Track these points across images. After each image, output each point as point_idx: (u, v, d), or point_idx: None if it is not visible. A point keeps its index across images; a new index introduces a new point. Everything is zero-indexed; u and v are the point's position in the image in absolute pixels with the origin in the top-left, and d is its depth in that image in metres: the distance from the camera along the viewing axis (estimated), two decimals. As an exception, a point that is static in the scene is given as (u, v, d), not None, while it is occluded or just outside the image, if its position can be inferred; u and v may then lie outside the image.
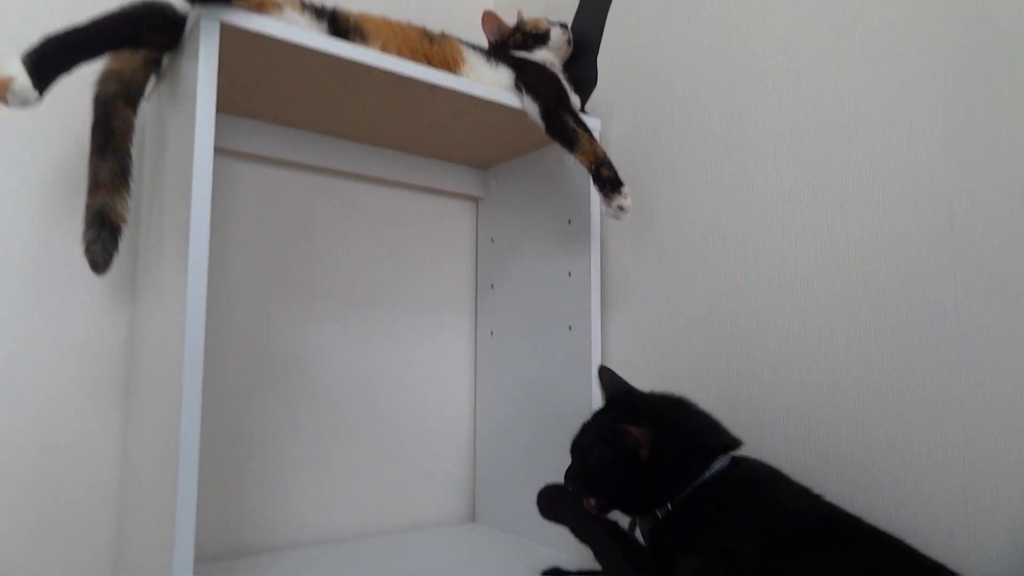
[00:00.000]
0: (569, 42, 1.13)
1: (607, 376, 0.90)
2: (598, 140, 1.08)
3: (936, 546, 0.69)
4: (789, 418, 0.84)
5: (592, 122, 1.08)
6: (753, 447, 0.79)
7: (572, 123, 0.96)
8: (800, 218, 0.85)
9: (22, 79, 0.68)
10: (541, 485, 0.87)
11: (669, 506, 0.75)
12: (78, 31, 0.75)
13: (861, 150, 0.80)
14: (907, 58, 0.76)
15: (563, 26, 1.12)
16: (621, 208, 0.90)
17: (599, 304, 1.06)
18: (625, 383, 0.88)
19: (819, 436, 0.81)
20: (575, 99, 1.09)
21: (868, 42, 0.80)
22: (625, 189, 0.91)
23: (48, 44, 0.72)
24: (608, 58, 1.13)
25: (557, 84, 1.03)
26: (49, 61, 0.71)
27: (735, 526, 0.69)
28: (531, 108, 0.98)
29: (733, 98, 0.94)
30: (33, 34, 0.73)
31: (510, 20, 1.14)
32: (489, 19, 1.13)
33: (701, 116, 0.98)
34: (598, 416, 0.85)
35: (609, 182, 0.91)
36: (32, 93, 0.69)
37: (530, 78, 1.00)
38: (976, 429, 0.69)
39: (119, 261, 0.87)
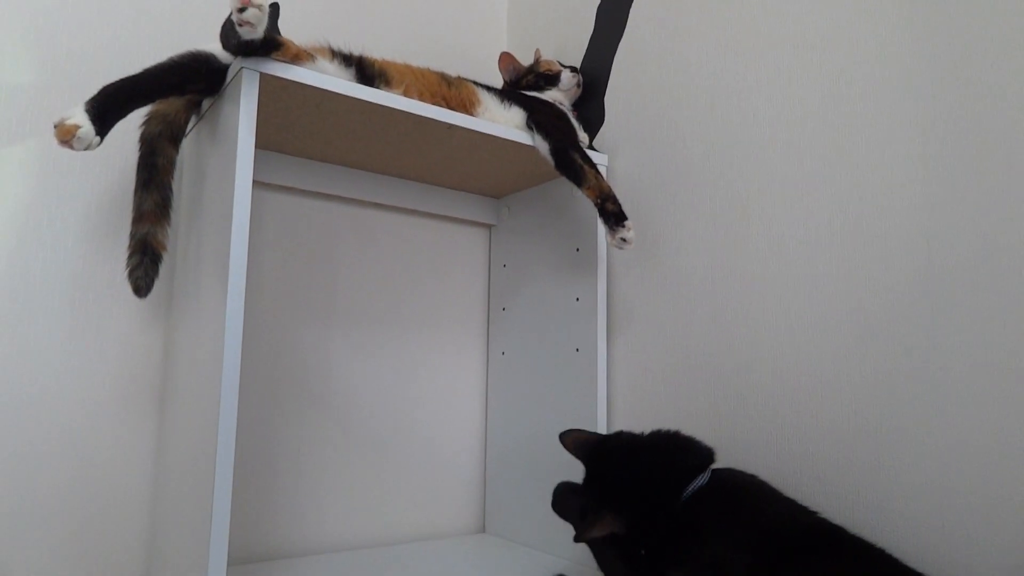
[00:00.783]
0: (579, 85, 1.20)
1: (570, 441, 0.91)
2: (604, 175, 1.15)
3: (917, 552, 0.74)
4: (781, 439, 0.90)
5: (599, 158, 1.16)
6: (746, 466, 0.85)
7: (579, 160, 1.03)
8: (791, 253, 0.92)
9: (86, 126, 0.76)
10: (548, 498, 0.94)
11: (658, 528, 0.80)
12: (132, 81, 0.83)
13: (847, 192, 0.86)
14: (888, 109, 0.83)
15: (574, 70, 1.19)
16: (624, 240, 0.97)
17: (605, 328, 1.13)
18: (591, 438, 0.91)
19: (809, 455, 0.87)
20: (583, 136, 1.17)
21: (853, 94, 0.86)
22: (628, 223, 0.97)
23: (106, 94, 0.80)
24: (615, 98, 1.21)
25: (566, 123, 1.10)
26: (108, 109, 0.79)
27: (721, 539, 0.74)
28: (541, 145, 1.05)
29: (730, 140, 1.01)
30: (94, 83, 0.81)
31: (525, 61, 1.21)
32: (506, 59, 1.21)
33: (702, 154, 1.05)
34: (581, 492, 0.88)
35: (613, 216, 0.98)
36: (95, 139, 0.77)
37: (541, 118, 1.08)
38: (955, 453, 0.74)
39: (158, 284, 0.94)
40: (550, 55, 1.29)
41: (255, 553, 1.10)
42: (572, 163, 1.02)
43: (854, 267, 0.85)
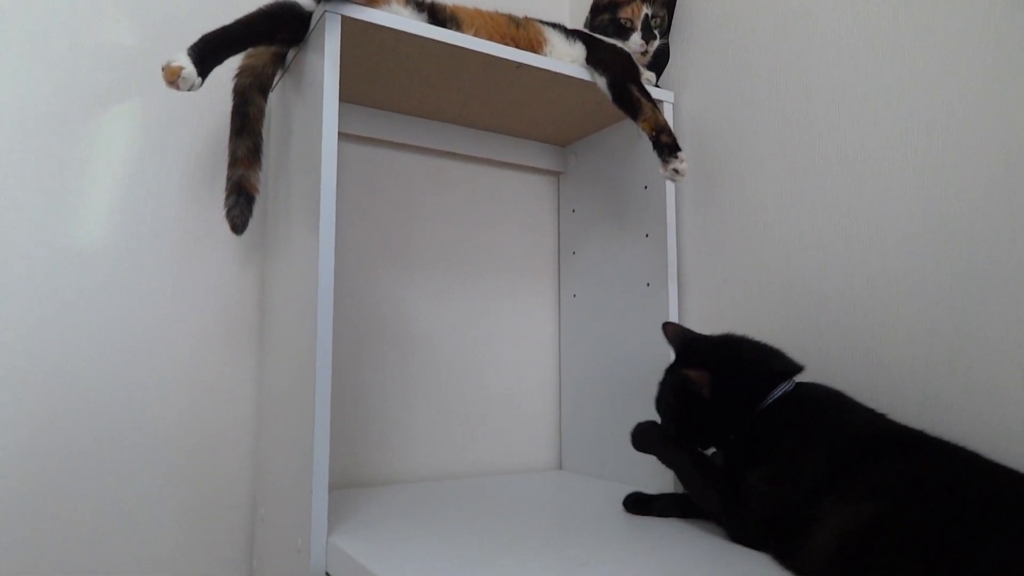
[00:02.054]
0: (644, 54, 1.15)
1: (671, 330, 0.98)
2: (671, 112, 1.17)
3: (998, 450, 0.74)
4: (855, 354, 0.91)
5: (665, 95, 1.17)
6: (821, 378, 0.86)
7: (637, 92, 1.05)
8: (863, 170, 0.91)
9: (189, 68, 0.83)
10: (622, 434, 0.97)
11: (740, 432, 0.83)
12: (227, 30, 0.90)
13: (920, 103, 0.86)
14: (961, 18, 0.82)
15: (649, 36, 1.14)
16: (676, 171, 0.99)
17: (676, 261, 1.14)
18: (690, 332, 0.96)
19: (885, 365, 0.87)
20: (649, 75, 1.18)
21: (921, 15, 0.86)
22: (681, 154, 0.99)
23: (206, 40, 0.87)
24: (680, 36, 1.22)
25: (627, 59, 1.11)
26: (207, 54, 0.86)
27: (799, 441, 0.76)
28: (600, 81, 1.08)
29: (797, 65, 1.01)
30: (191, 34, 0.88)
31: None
32: None
33: (768, 83, 1.05)
34: (668, 371, 0.94)
35: (667, 147, 1.00)
36: (197, 79, 0.84)
37: (601, 54, 1.10)
38: (1032, 352, 0.74)
39: (251, 224, 1.01)
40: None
41: (350, 479, 1.17)
42: (629, 96, 1.05)
43: (929, 179, 0.84)
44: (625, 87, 1.05)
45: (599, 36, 1.16)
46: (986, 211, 0.79)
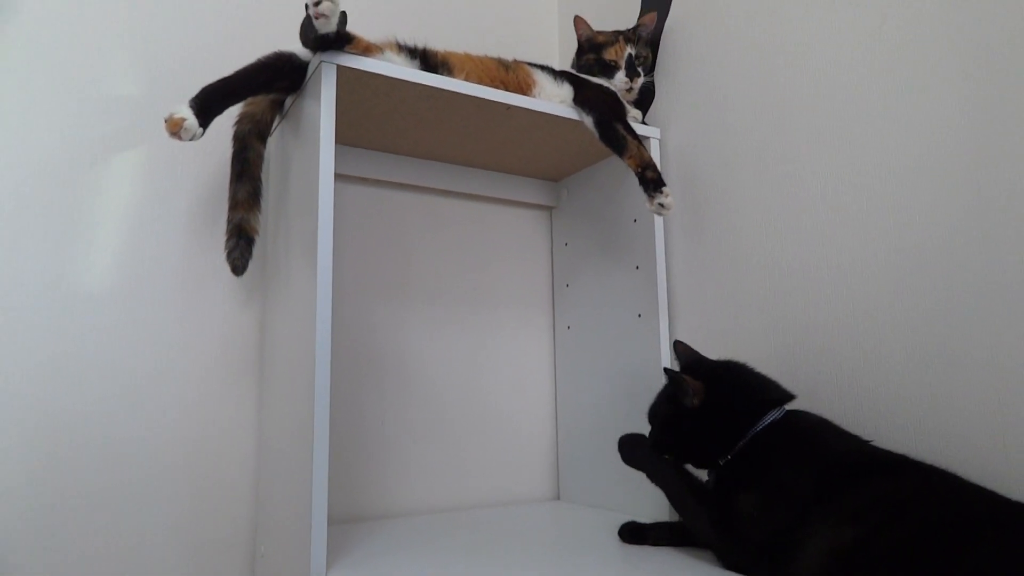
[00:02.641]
0: (630, 91, 1.19)
1: (681, 348, 1.01)
2: (657, 148, 1.21)
3: (979, 471, 0.76)
4: (841, 379, 0.93)
5: (651, 131, 1.21)
6: (807, 406, 0.89)
7: (622, 130, 1.09)
8: (841, 202, 0.95)
9: (191, 119, 0.87)
10: (619, 463, 0.99)
11: (730, 456, 0.85)
12: (227, 81, 0.94)
13: (893, 140, 0.89)
14: (931, 52, 0.86)
15: (634, 75, 1.17)
16: (662, 205, 1.02)
17: (666, 291, 1.17)
18: (696, 353, 0.99)
19: (868, 391, 0.89)
20: (635, 112, 1.22)
21: (895, 40, 0.90)
22: (666, 189, 1.02)
23: (206, 92, 0.91)
24: (664, 73, 1.26)
25: (612, 98, 1.15)
26: (208, 105, 0.90)
27: (789, 466, 0.78)
28: (587, 120, 1.12)
29: (777, 99, 1.05)
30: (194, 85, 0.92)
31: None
32: (580, 22, 1.24)
33: (750, 118, 1.09)
34: (667, 373, 0.96)
35: (652, 183, 1.03)
36: (199, 130, 0.87)
37: (588, 95, 1.14)
38: (1006, 374, 0.76)
39: (251, 266, 1.04)
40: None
41: (349, 514, 1.18)
42: (615, 134, 1.09)
43: (904, 206, 0.87)
44: (611, 125, 1.09)
45: (585, 76, 1.20)
46: (961, 240, 0.82)
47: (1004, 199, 0.78)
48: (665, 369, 0.92)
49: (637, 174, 1.05)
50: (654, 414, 0.94)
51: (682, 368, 0.98)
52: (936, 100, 0.85)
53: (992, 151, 0.79)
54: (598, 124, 1.10)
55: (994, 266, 0.78)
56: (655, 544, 0.95)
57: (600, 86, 1.18)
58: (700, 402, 0.86)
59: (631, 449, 0.97)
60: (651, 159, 1.06)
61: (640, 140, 1.09)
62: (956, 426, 0.80)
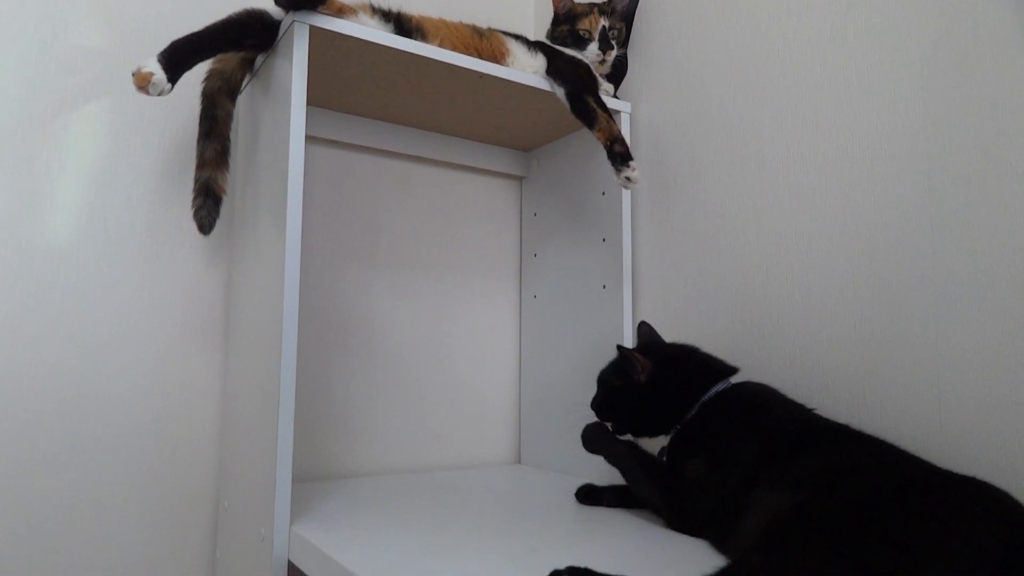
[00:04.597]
0: (602, 63, 1.20)
1: (644, 329, 1.05)
2: (628, 123, 1.22)
3: (916, 443, 0.80)
4: (793, 354, 0.97)
5: (623, 105, 1.22)
6: (760, 377, 0.92)
7: (593, 104, 1.10)
8: (801, 184, 0.98)
9: (159, 74, 0.86)
10: (579, 430, 1.02)
11: (679, 426, 0.89)
12: (196, 36, 0.93)
13: (852, 126, 0.92)
14: (891, 41, 0.88)
15: (607, 47, 1.18)
16: (629, 179, 1.04)
17: (630, 265, 1.20)
18: (657, 335, 1.03)
19: (819, 366, 0.94)
20: (607, 86, 1.23)
21: (858, 27, 0.92)
22: (633, 163, 1.04)
23: (175, 47, 0.90)
24: (638, 50, 1.27)
25: (585, 71, 1.16)
26: (177, 60, 0.89)
27: (734, 433, 0.82)
28: (559, 91, 1.13)
29: (745, 85, 1.07)
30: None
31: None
32: None
33: (718, 98, 1.11)
34: (619, 349, 0.99)
35: (620, 156, 1.05)
36: (167, 85, 0.86)
37: (560, 66, 1.15)
38: (949, 347, 0.81)
39: (219, 224, 1.04)
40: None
41: (312, 473, 1.21)
42: (586, 107, 1.10)
43: (860, 191, 0.91)
44: (582, 98, 1.10)
45: (559, 48, 1.21)
46: (911, 227, 0.85)
47: (952, 189, 0.81)
48: (617, 346, 0.95)
49: (606, 147, 1.07)
50: (603, 381, 0.99)
51: (638, 347, 1.01)
52: (896, 90, 0.88)
53: (945, 138, 0.83)
54: (569, 96, 1.11)
55: (940, 253, 0.82)
56: (609, 506, 0.99)
57: (574, 58, 1.18)
58: (647, 378, 0.90)
59: (592, 437, 1.00)
60: (620, 133, 1.08)
61: (610, 114, 1.10)
62: (893, 400, 0.85)
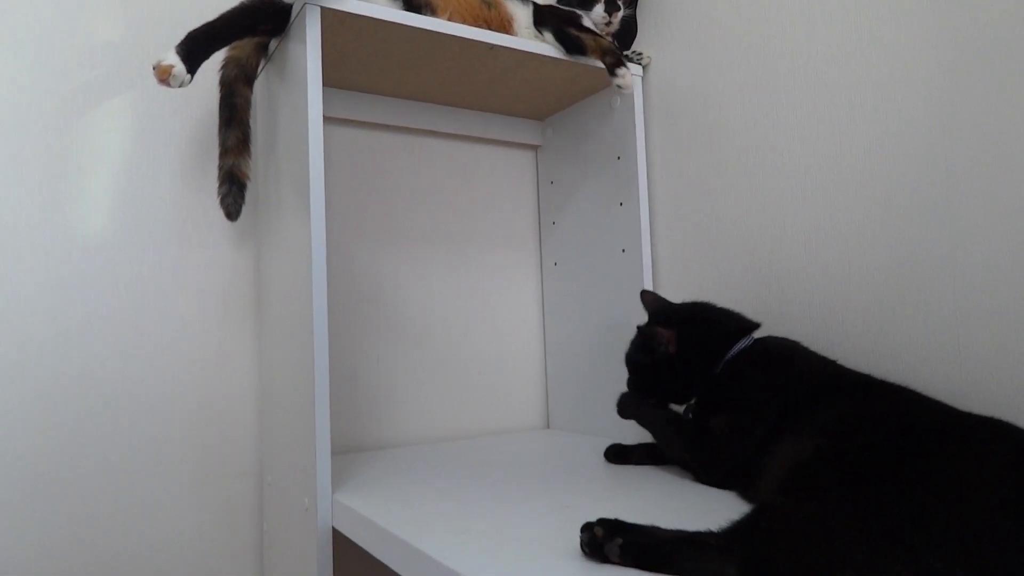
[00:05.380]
0: (608, 24, 1.19)
1: (648, 297, 1.06)
2: (639, 84, 1.22)
3: (937, 390, 0.82)
4: (813, 306, 0.98)
5: (634, 69, 1.23)
6: (782, 332, 0.94)
7: (576, 32, 1.14)
8: (816, 138, 0.98)
9: (179, 66, 0.88)
10: (606, 392, 1.06)
11: (705, 385, 0.91)
12: (211, 26, 0.95)
13: (867, 75, 0.92)
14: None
15: (613, 8, 1.17)
16: (620, 86, 1.10)
17: (648, 227, 1.21)
18: (662, 299, 1.04)
19: (837, 317, 0.95)
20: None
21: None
22: (622, 70, 1.09)
23: (192, 37, 0.92)
24: (648, 8, 1.26)
25: (562, 10, 1.18)
26: (195, 50, 0.91)
27: (758, 387, 0.84)
28: (548, 38, 1.15)
29: (759, 40, 1.06)
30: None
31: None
32: None
33: (731, 55, 1.11)
34: (639, 329, 1.01)
35: (610, 65, 1.11)
36: (187, 76, 0.89)
37: (542, 14, 1.18)
38: (967, 295, 0.81)
39: (245, 210, 1.07)
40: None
41: (348, 446, 1.25)
42: (572, 39, 1.14)
43: (876, 141, 0.91)
44: (566, 32, 1.14)
45: (550, 4, 1.20)
46: (926, 174, 0.85)
47: (969, 137, 0.81)
48: (638, 327, 0.96)
49: (601, 61, 1.12)
50: (631, 362, 1.00)
51: (650, 317, 1.03)
52: (910, 36, 0.87)
53: (961, 90, 0.82)
54: (556, 37, 1.15)
55: (957, 201, 0.82)
56: (637, 463, 1.02)
57: (552, 5, 1.20)
58: (675, 348, 0.92)
59: (625, 404, 1.02)
60: (609, 45, 1.13)
61: (595, 32, 1.15)
62: (909, 351, 0.86)
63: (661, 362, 0.94)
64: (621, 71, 1.10)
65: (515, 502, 0.83)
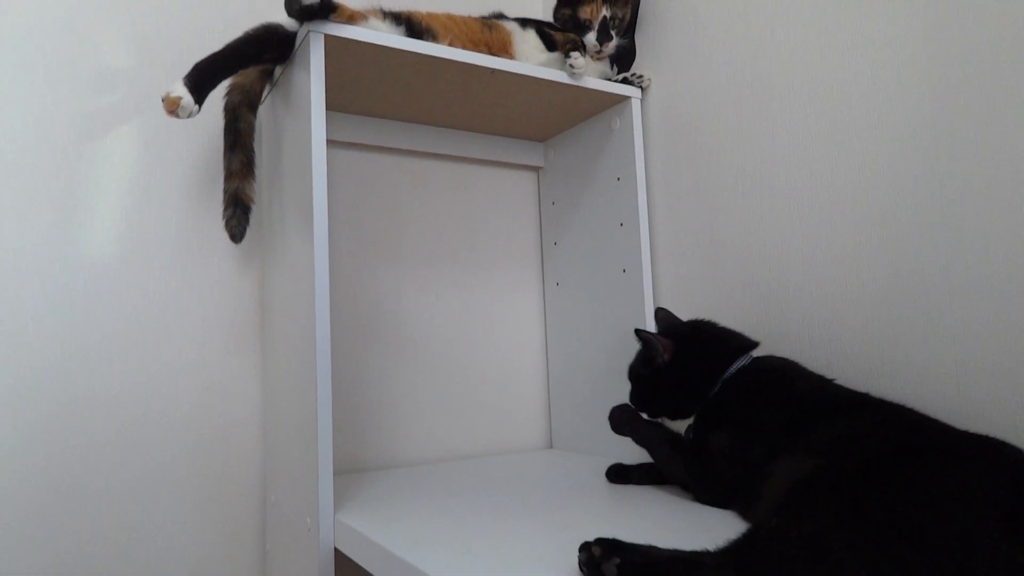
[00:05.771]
0: (599, 53, 1.22)
1: (662, 315, 1.07)
2: (638, 106, 1.25)
3: (935, 409, 0.82)
4: (812, 324, 0.99)
5: (632, 91, 1.25)
6: (781, 351, 0.95)
7: (549, 31, 1.21)
8: (812, 159, 0.99)
9: (187, 97, 0.90)
10: (607, 412, 1.05)
11: (704, 404, 0.92)
12: (217, 56, 0.97)
13: (863, 95, 0.93)
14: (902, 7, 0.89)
15: (606, 38, 1.20)
16: (572, 67, 1.15)
17: (648, 247, 1.22)
18: (673, 317, 1.05)
19: (836, 334, 0.95)
20: (610, 73, 1.26)
21: (867, 8, 0.93)
22: (576, 54, 1.15)
23: (199, 68, 0.94)
24: (646, 32, 1.29)
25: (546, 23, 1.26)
26: (202, 81, 0.93)
27: (756, 406, 0.84)
28: (531, 36, 1.21)
29: (755, 61, 1.08)
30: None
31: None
32: None
33: (726, 78, 1.12)
34: (636, 332, 1.02)
35: (568, 50, 1.17)
36: (195, 107, 0.91)
37: (528, 19, 1.25)
38: (965, 313, 0.82)
39: (249, 232, 1.08)
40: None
41: (351, 466, 1.25)
42: (547, 36, 1.21)
43: (873, 160, 0.92)
44: (543, 31, 1.21)
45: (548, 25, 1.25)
46: (925, 193, 0.86)
47: (960, 157, 0.82)
48: (636, 330, 0.97)
49: (561, 50, 1.19)
50: (632, 374, 1.01)
51: (659, 331, 1.04)
52: (902, 61, 0.89)
53: (952, 108, 0.83)
54: (537, 34, 1.22)
55: (956, 219, 0.83)
56: (638, 483, 1.02)
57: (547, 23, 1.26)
58: (670, 358, 0.93)
59: (619, 419, 1.03)
60: (571, 37, 1.20)
61: (566, 31, 1.22)
62: (909, 370, 0.86)
63: (659, 373, 0.95)
64: (574, 54, 1.16)
65: (516, 522, 0.84)
